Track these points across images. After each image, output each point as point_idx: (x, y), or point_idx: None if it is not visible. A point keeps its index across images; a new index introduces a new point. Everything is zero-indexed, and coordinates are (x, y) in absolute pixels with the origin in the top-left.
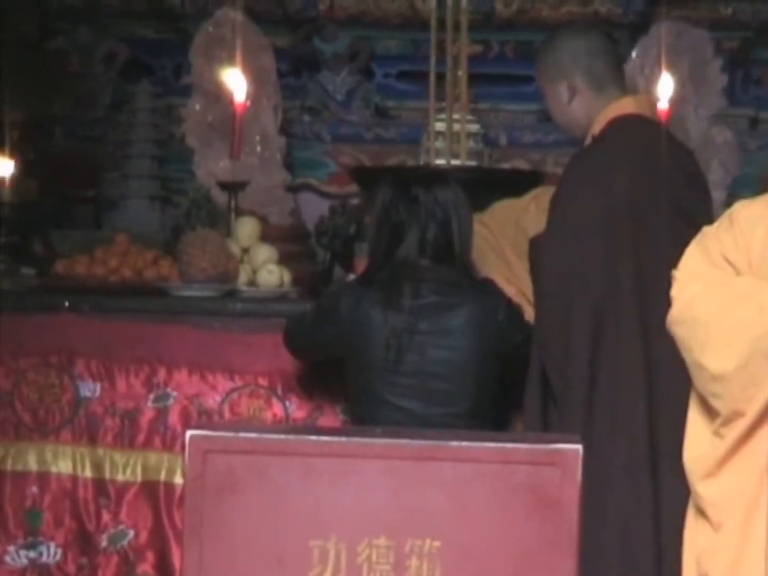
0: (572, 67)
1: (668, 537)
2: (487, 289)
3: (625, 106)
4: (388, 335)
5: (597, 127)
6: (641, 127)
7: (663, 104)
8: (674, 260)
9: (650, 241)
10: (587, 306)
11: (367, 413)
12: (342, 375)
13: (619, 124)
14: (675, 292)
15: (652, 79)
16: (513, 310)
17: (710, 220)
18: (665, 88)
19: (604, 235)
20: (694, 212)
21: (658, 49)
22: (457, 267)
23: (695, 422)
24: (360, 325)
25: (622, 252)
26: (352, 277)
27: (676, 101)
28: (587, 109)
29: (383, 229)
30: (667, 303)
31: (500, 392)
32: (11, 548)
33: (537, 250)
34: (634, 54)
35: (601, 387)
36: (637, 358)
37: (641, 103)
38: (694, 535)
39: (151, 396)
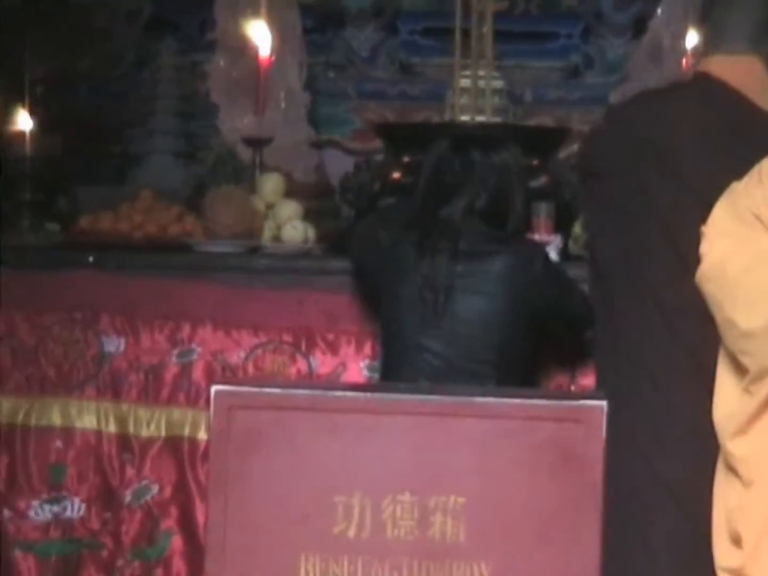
0: (710, 12)
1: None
2: (525, 241)
3: (710, 64)
4: (422, 276)
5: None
6: (696, 90)
7: (689, 60)
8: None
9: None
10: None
11: (397, 353)
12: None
13: (690, 81)
14: (704, 248)
15: (677, 35)
16: (551, 263)
17: None
18: (691, 43)
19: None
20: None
21: (685, 5)
22: (505, 228)
23: (724, 380)
24: (397, 260)
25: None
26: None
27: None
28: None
29: (433, 188)
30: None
31: (530, 347)
32: (35, 503)
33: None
34: (659, 10)
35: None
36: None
37: (729, 66)
38: (724, 492)
39: (176, 351)
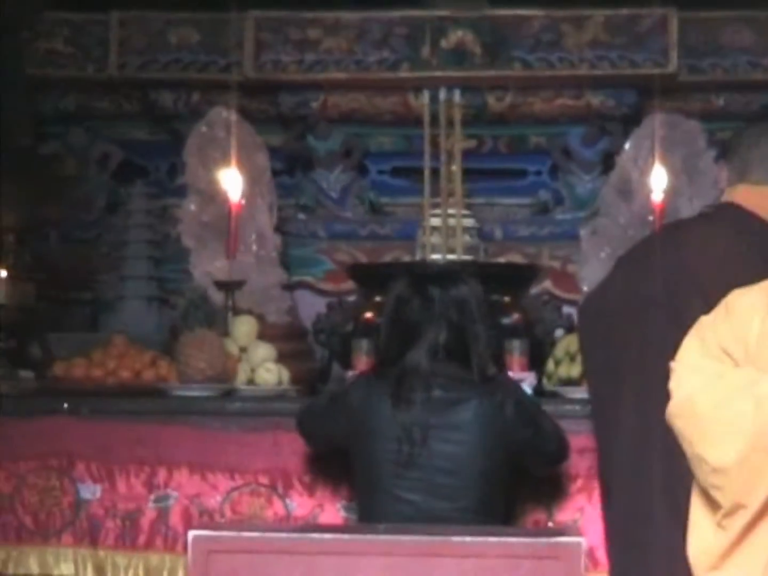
0: (738, 146)
1: None
2: (497, 383)
3: (736, 194)
4: (397, 429)
5: None
6: (723, 216)
7: (657, 196)
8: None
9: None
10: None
11: (373, 506)
12: (342, 471)
13: (715, 210)
14: (673, 385)
15: (645, 171)
16: (522, 404)
17: None
18: (659, 180)
19: (617, 319)
20: None
21: (651, 141)
22: (471, 365)
23: (698, 514)
24: (370, 417)
25: (627, 341)
26: (351, 374)
27: (671, 193)
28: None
29: (396, 327)
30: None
31: (508, 486)
32: None
33: None
34: (627, 146)
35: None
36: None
37: (752, 194)
38: None
39: (152, 497)
